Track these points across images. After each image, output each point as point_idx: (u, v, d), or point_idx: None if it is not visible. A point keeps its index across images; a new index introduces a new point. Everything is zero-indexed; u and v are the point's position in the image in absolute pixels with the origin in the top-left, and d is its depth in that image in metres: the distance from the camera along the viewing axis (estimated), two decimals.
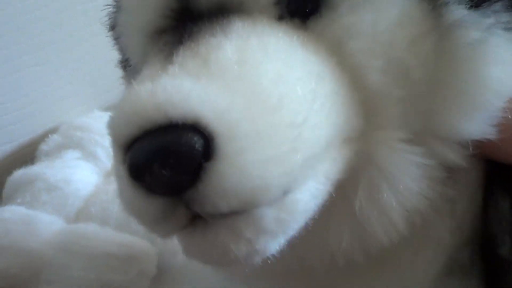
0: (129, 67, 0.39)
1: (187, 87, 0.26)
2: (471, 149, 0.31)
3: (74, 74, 0.82)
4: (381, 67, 0.30)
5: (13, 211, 0.61)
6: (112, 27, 0.41)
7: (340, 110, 0.30)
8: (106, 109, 0.82)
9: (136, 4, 0.35)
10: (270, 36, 0.30)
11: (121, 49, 0.40)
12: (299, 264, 0.34)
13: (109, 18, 0.41)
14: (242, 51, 0.29)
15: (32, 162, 0.73)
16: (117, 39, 0.40)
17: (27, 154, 0.76)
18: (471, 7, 0.30)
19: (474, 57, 0.30)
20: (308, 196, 0.29)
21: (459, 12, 0.30)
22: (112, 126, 0.28)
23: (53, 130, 0.78)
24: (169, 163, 0.25)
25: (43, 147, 0.75)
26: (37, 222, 0.59)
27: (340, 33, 0.30)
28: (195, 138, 0.25)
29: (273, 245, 0.28)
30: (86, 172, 0.70)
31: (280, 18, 0.31)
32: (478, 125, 0.31)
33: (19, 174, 0.69)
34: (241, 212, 0.27)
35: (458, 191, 0.33)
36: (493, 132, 0.31)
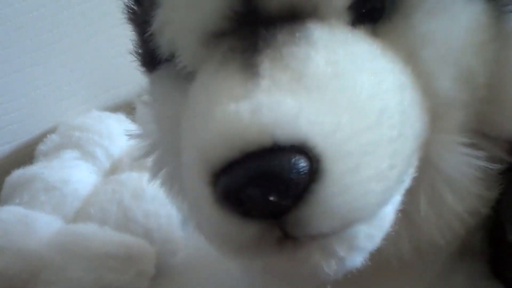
0: (167, 67, 0.36)
1: (294, 106, 0.25)
2: None
3: (72, 75, 0.82)
4: (452, 74, 0.30)
5: (12, 212, 0.61)
6: (141, 23, 0.37)
7: (419, 119, 0.29)
8: (105, 109, 0.82)
9: (189, 3, 0.31)
10: (353, 45, 0.29)
11: (154, 46, 0.35)
12: None
13: (132, 14, 0.38)
14: (334, 63, 0.27)
15: (30, 162, 0.73)
16: (147, 36, 0.35)
17: (25, 154, 0.76)
18: None
19: None
20: (393, 208, 0.29)
21: None
22: (202, 146, 0.26)
23: (52, 130, 0.78)
24: (276, 188, 0.24)
25: (42, 147, 0.75)
26: (36, 223, 0.58)
27: (414, 41, 0.30)
28: (303, 161, 0.24)
29: (360, 259, 0.28)
30: (84, 172, 0.69)
31: (353, 24, 0.30)
32: None
33: (17, 174, 0.69)
34: (337, 231, 0.26)
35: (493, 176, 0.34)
36: None
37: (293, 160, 0.24)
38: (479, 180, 0.32)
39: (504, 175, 0.34)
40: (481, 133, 0.32)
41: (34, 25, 0.77)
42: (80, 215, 0.63)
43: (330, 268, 0.27)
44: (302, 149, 0.24)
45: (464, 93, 0.31)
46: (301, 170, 0.24)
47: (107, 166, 0.72)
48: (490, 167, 0.31)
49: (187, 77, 0.33)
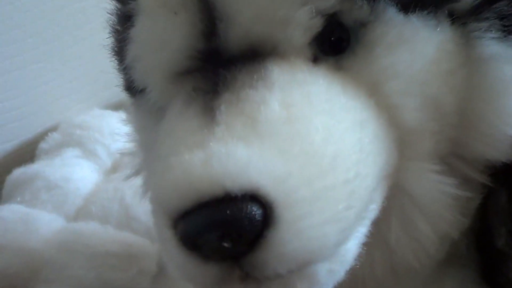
0: (143, 98, 0.36)
1: (243, 156, 0.25)
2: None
3: (73, 73, 0.82)
4: (418, 105, 0.30)
5: (13, 210, 0.61)
6: (118, 53, 0.39)
7: (381, 152, 0.29)
8: (106, 107, 0.82)
9: (156, 43, 0.32)
10: (311, 85, 0.29)
11: (130, 79, 0.37)
12: None
13: (112, 43, 0.39)
14: (289, 106, 0.27)
15: (32, 161, 0.73)
16: (124, 67, 0.37)
17: (27, 153, 0.76)
18: (503, 39, 0.30)
19: (505, 92, 0.31)
20: (357, 242, 0.29)
21: (492, 47, 0.30)
22: (160, 195, 0.27)
23: (53, 129, 0.78)
24: (230, 235, 0.25)
25: (43, 145, 0.75)
26: (37, 221, 0.58)
27: (377, 74, 0.30)
28: (255, 209, 0.25)
29: None
30: (86, 171, 0.69)
31: (315, 60, 0.30)
32: (505, 151, 0.31)
33: (18, 172, 0.69)
34: (296, 270, 0.26)
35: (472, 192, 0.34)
36: None
37: (244, 209, 0.25)
38: (451, 205, 0.32)
39: (490, 182, 0.34)
40: (455, 155, 0.32)
41: (35, 23, 0.77)
42: (81, 213, 0.63)
43: None
44: (254, 197, 0.25)
45: (432, 122, 0.31)
46: (253, 218, 0.25)
47: (108, 164, 0.72)
48: (460, 194, 0.32)
49: (159, 111, 0.34)
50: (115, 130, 0.73)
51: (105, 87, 0.82)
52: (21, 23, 0.76)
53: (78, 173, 0.68)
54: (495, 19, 0.31)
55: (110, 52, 0.40)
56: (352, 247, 0.29)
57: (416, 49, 0.30)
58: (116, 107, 0.79)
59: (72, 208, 0.64)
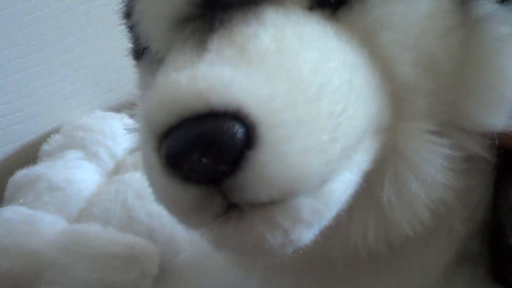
0: (147, 55, 0.38)
1: (229, 74, 0.26)
2: (493, 140, 0.32)
3: (76, 75, 0.82)
4: (412, 59, 0.30)
5: (15, 211, 0.61)
6: (127, 15, 0.40)
7: (373, 101, 0.30)
8: (108, 109, 0.82)
9: None
10: (304, 26, 0.29)
11: (137, 37, 0.39)
12: (320, 256, 0.34)
13: (124, 6, 0.40)
14: (279, 40, 0.28)
15: (34, 163, 0.73)
16: (132, 27, 0.39)
17: (29, 155, 0.76)
18: (501, 1, 0.30)
19: (501, 52, 0.30)
20: (343, 186, 0.29)
21: (488, 7, 0.30)
22: (147, 113, 0.27)
23: (55, 131, 0.78)
24: (210, 152, 0.25)
25: (45, 147, 0.75)
26: (39, 222, 0.59)
27: (371, 24, 0.30)
28: (237, 127, 0.25)
29: (308, 235, 0.28)
30: (88, 172, 0.70)
31: (311, 8, 0.31)
32: (502, 118, 0.31)
33: (21, 174, 0.69)
34: (279, 202, 0.27)
35: (473, 180, 0.34)
36: None
37: (226, 124, 0.25)
38: (446, 169, 0.32)
39: (502, 178, 0.34)
40: (453, 125, 0.32)
41: (38, 25, 0.77)
42: (83, 215, 0.63)
43: (275, 239, 0.27)
44: (237, 115, 0.25)
45: (427, 79, 0.31)
46: (234, 135, 0.25)
47: (110, 166, 0.72)
48: (455, 154, 0.31)
49: (160, 62, 0.34)
50: (117, 132, 0.73)
51: (107, 90, 0.83)
52: (23, 26, 0.76)
53: (80, 175, 0.68)
54: None
55: (120, 17, 0.41)
56: (338, 189, 0.28)
57: (411, 1, 0.30)
58: (118, 109, 0.79)
59: (74, 210, 0.64)
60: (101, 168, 0.72)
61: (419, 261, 0.35)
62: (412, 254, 0.35)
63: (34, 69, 0.78)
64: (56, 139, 0.76)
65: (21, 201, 0.64)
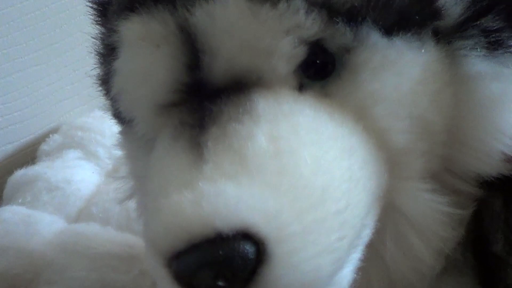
0: (132, 129, 0.36)
1: (232, 194, 0.25)
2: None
3: (75, 74, 0.82)
4: (406, 127, 0.30)
5: (14, 211, 0.61)
6: (104, 82, 0.38)
7: (372, 176, 0.29)
8: (107, 109, 0.82)
9: (139, 76, 0.32)
10: (298, 116, 0.29)
11: (117, 108, 0.37)
12: None
13: (99, 68, 0.39)
14: (276, 140, 0.27)
15: (33, 162, 0.73)
16: (111, 98, 0.37)
17: (28, 154, 0.76)
18: (489, 55, 0.30)
19: (492, 108, 0.31)
20: (352, 267, 0.29)
21: (478, 65, 0.30)
22: (153, 238, 0.27)
23: (54, 130, 0.78)
24: (223, 275, 0.25)
25: (44, 147, 0.75)
26: (38, 222, 0.58)
27: (364, 99, 0.30)
28: (247, 247, 0.25)
29: None
30: (87, 172, 0.69)
31: (300, 87, 0.30)
32: (496, 165, 0.32)
33: (20, 174, 0.69)
34: None
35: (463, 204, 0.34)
36: (510, 168, 0.31)
37: (236, 248, 0.25)
38: (444, 222, 0.32)
39: (483, 191, 0.34)
40: (446, 171, 0.32)
41: (37, 25, 0.77)
42: (82, 215, 0.63)
43: None
44: (246, 235, 0.25)
45: (421, 142, 0.31)
46: (246, 256, 0.25)
47: (109, 166, 0.72)
48: (453, 212, 0.32)
49: (148, 142, 0.34)
50: (116, 132, 0.73)
51: None
52: (22, 25, 0.76)
53: (79, 175, 0.68)
54: (480, 36, 0.31)
55: (96, 81, 0.41)
56: (347, 274, 0.29)
57: (401, 72, 0.30)
58: None
59: (73, 210, 0.64)
60: (100, 168, 0.71)
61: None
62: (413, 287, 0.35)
63: (33, 69, 0.78)
64: (55, 139, 0.76)
65: (19, 201, 0.64)
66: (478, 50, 0.30)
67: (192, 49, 0.30)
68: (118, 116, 0.38)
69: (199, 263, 0.25)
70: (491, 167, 0.32)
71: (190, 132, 0.29)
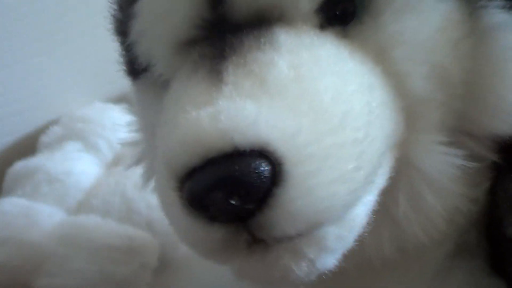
0: (147, 76, 0.37)
1: (252, 111, 0.25)
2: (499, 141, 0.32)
3: (75, 66, 0.82)
4: (424, 73, 0.30)
5: (14, 203, 0.61)
6: (121, 33, 0.38)
7: (389, 120, 0.29)
8: (107, 100, 0.82)
9: (161, 13, 0.32)
10: (319, 48, 0.29)
11: (134, 56, 0.36)
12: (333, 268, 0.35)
13: (116, 23, 0.39)
14: (297, 67, 0.27)
15: (33, 154, 0.73)
16: (128, 45, 0.36)
17: (28, 146, 0.76)
18: (509, 8, 0.30)
19: (510, 60, 0.30)
20: (365, 209, 0.29)
21: (498, 16, 0.30)
22: (168, 154, 0.27)
23: (54, 122, 0.78)
24: (238, 193, 0.25)
25: (44, 138, 0.75)
26: (38, 214, 0.58)
27: (384, 41, 0.30)
28: (264, 165, 0.25)
29: (332, 261, 0.28)
30: (87, 164, 0.69)
31: (322, 27, 0.30)
32: (510, 123, 0.31)
33: (19, 166, 0.69)
34: (304, 233, 0.26)
35: (479, 177, 0.34)
36: None
37: (253, 164, 0.24)
38: (459, 179, 0.32)
39: (500, 170, 0.34)
40: (462, 131, 0.32)
41: (38, 16, 0.77)
42: (82, 207, 0.63)
43: (301, 270, 0.27)
44: (263, 153, 0.25)
45: (439, 91, 0.30)
46: (261, 174, 0.24)
47: (109, 157, 0.72)
48: (469, 165, 0.31)
49: (164, 85, 0.33)
50: (116, 124, 0.73)
51: (106, 81, 0.82)
52: (22, 17, 0.75)
53: (79, 167, 0.68)
54: None
55: (111, 32, 0.40)
56: (360, 213, 0.28)
57: (422, 16, 0.30)
58: (117, 100, 0.79)
59: (73, 202, 0.64)
60: (100, 159, 0.71)
61: (430, 258, 0.36)
62: (424, 254, 0.35)
63: (33, 61, 0.78)
64: (55, 130, 0.75)
65: (19, 192, 0.64)
66: (497, 1, 0.30)
67: None
68: (132, 68, 0.38)
69: (213, 179, 0.25)
70: (506, 125, 0.31)
71: (210, 62, 0.29)
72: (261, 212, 0.25)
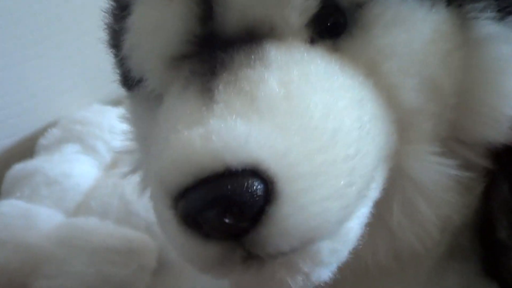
0: (141, 89, 0.36)
1: (243, 131, 0.25)
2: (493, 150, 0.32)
3: (73, 68, 0.82)
4: (416, 85, 0.30)
5: (12, 205, 0.61)
6: (114, 46, 0.39)
7: (381, 133, 0.30)
8: (106, 103, 0.82)
9: (152, 28, 0.32)
10: (310, 64, 0.29)
11: (127, 69, 0.37)
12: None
13: (109, 36, 0.39)
14: (287, 84, 0.28)
15: (31, 156, 0.73)
16: (121, 59, 0.37)
17: (26, 148, 0.76)
18: (500, 19, 0.30)
19: (502, 71, 0.31)
20: (359, 222, 0.29)
21: (488, 27, 0.31)
22: (161, 174, 0.27)
23: (53, 124, 0.78)
24: (232, 211, 0.25)
25: (43, 141, 0.75)
26: (37, 216, 0.58)
27: (375, 55, 0.30)
28: (256, 184, 0.25)
29: (327, 273, 0.29)
30: (85, 166, 0.69)
31: (312, 41, 0.30)
32: (504, 132, 0.31)
33: (18, 168, 0.69)
34: (299, 249, 0.26)
35: (472, 183, 0.34)
36: None
37: (245, 183, 0.25)
38: (452, 187, 0.32)
39: (492, 176, 0.34)
40: (455, 140, 0.32)
41: (36, 18, 0.77)
42: (81, 209, 0.63)
43: (297, 283, 0.27)
44: (255, 172, 0.25)
45: (431, 102, 0.31)
46: (254, 193, 0.25)
47: (108, 160, 0.72)
48: (461, 175, 0.32)
49: (157, 98, 0.34)
50: (115, 126, 0.73)
51: (104, 83, 0.82)
52: (21, 19, 0.75)
53: (77, 169, 0.68)
54: None
55: (105, 45, 0.40)
56: (354, 227, 0.29)
57: (412, 29, 0.30)
58: (116, 103, 0.79)
59: (72, 204, 0.64)
60: (98, 162, 0.71)
61: (424, 262, 0.36)
62: (418, 259, 0.35)
63: (32, 63, 0.77)
64: (54, 133, 0.75)
65: (18, 195, 0.64)
66: (488, 12, 0.31)
67: (205, 0, 0.30)
68: (126, 80, 0.38)
69: (207, 198, 0.25)
70: (499, 133, 0.32)
71: (201, 79, 0.29)
72: (255, 229, 0.25)
